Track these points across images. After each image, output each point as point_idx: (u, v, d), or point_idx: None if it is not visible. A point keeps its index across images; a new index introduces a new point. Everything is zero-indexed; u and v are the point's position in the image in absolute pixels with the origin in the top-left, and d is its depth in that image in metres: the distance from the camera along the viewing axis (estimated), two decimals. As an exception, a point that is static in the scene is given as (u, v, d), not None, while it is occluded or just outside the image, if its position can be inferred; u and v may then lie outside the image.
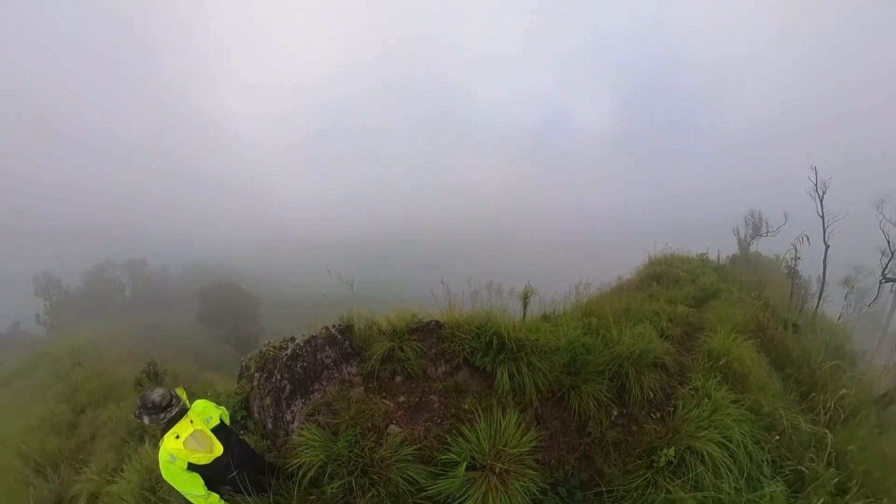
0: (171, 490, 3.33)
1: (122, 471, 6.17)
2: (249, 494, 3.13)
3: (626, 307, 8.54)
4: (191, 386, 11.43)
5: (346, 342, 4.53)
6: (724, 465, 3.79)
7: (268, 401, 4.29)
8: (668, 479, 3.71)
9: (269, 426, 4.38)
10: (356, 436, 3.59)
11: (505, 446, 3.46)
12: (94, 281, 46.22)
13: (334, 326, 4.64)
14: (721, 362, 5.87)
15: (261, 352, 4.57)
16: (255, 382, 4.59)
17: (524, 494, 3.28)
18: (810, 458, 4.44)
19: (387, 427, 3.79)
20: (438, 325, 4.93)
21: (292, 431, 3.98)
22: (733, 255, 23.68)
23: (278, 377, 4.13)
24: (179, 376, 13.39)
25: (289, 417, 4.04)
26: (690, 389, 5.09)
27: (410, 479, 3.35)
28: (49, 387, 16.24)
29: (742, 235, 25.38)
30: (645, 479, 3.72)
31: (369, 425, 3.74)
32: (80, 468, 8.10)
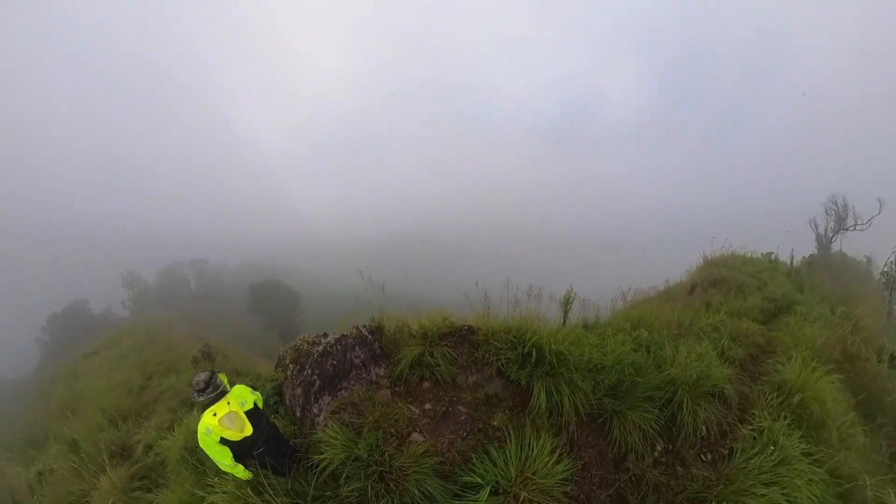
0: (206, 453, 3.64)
1: (173, 430, 7.24)
2: (273, 473, 3.39)
3: (680, 318, 7.70)
4: (237, 366, 12.47)
5: (375, 343, 4.48)
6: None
7: (298, 391, 4.39)
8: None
9: (298, 414, 4.49)
10: (378, 440, 3.52)
11: (534, 474, 3.21)
12: (167, 276, 56.71)
13: (365, 326, 4.61)
14: (794, 400, 5.06)
15: (295, 346, 4.66)
16: (289, 373, 4.71)
17: (548, 530, 3.04)
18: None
19: (409, 434, 3.69)
20: (471, 330, 4.70)
21: (318, 424, 4.04)
22: (810, 256, 19.76)
23: (309, 372, 4.18)
24: (229, 357, 14.50)
25: (315, 411, 4.09)
26: (752, 430, 4.45)
27: (427, 494, 3.24)
28: (128, 357, 19.10)
29: (821, 229, 20.61)
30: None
31: (392, 430, 3.65)
32: (142, 423, 9.29)
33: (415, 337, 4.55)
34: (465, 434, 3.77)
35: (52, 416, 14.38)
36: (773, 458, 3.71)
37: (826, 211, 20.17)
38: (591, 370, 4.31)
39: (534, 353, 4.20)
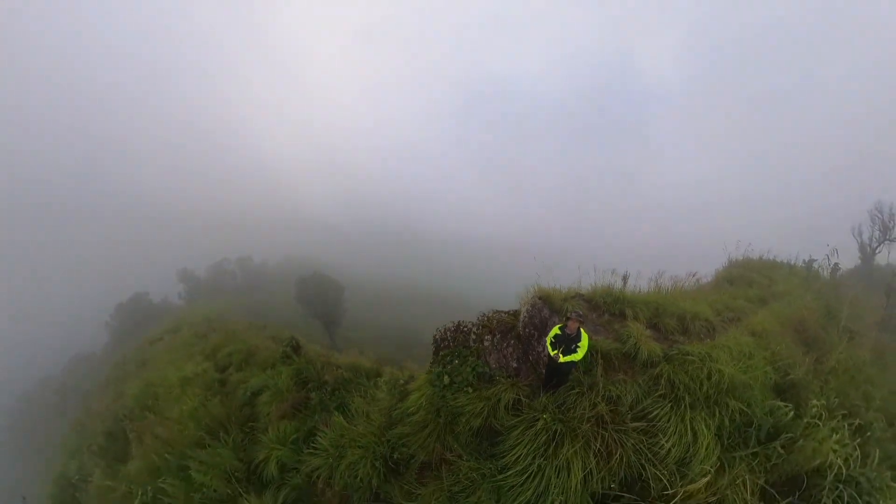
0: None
1: (314, 445, 8.11)
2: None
3: (695, 297, 11.94)
4: (321, 358, 12.92)
5: (545, 305, 9.16)
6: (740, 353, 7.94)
7: (510, 349, 8.11)
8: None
9: (514, 364, 7.95)
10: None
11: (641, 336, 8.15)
12: (215, 271, 64.96)
13: (538, 297, 9.17)
14: (752, 328, 9.75)
15: (483, 323, 8.89)
16: (489, 343, 8.31)
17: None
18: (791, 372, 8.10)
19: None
20: (582, 294, 9.68)
21: (542, 349, 7.73)
22: (834, 267, 17.75)
23: (526, 331, 8.23)
24: (309, 354, 13.72)
25: (540, 349, 7.77)
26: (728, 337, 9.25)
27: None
28: (191, 344, 19.47)
29: (866, 238, 18.82)
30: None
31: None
32: (255, 436, 9.17)
33: (560, 298, 9.39)
34: (600, 328, 8.77)
35: (127, 408, 14.03)
36: (733, 337, 8.56)
37: (871, 219, 18.22)
38: (644, 303, 9.43)
39: (622, 298, 9.30)
